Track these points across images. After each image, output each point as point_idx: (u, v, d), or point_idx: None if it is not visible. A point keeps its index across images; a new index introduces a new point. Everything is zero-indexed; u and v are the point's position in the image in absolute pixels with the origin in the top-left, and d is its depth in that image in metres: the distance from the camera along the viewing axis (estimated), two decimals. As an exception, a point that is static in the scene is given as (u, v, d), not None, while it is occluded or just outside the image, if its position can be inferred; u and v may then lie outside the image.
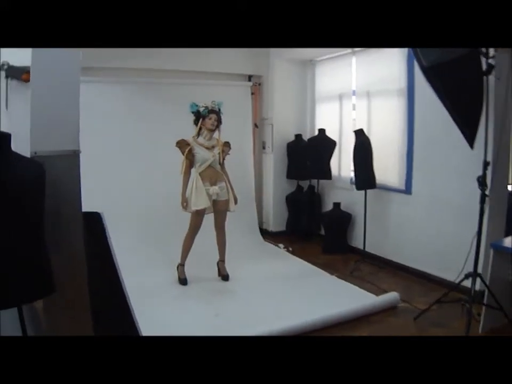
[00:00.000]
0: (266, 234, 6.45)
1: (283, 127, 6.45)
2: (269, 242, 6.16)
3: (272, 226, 6.62)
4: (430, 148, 4.68)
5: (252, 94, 6.43)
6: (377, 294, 4.27)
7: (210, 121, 4.36)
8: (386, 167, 5.26)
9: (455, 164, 4.33)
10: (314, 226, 6.28)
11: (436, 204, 4.64)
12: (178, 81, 5.68)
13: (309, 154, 6.07)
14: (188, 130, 4.54)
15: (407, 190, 5.02)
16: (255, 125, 6.53)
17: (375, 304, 4.01)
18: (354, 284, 4.62)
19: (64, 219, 2.16)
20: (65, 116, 2.15)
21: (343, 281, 4.75)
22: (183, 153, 4.38)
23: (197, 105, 4.43)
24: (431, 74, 3.20)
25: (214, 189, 4.39)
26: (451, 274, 3.99)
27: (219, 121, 4.44)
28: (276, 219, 6.59)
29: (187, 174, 4.40)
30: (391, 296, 4.14)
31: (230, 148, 4.61)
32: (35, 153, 2.07)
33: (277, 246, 6.01)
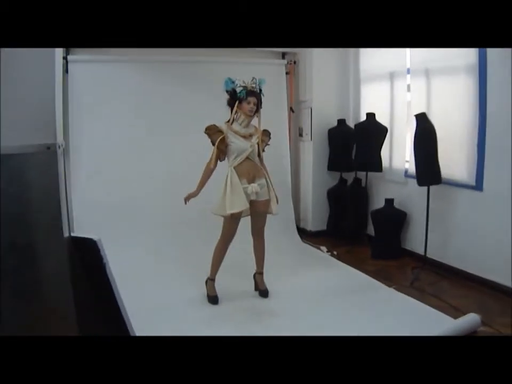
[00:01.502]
0: (305, 234, 6.02)
1: (323, 111, 5.95)
2: (308, 243, 5.68)
3: (311, 225, 6.15)
4: (506, 137, 4.05)
5: (287, 73, 5.99)
6: (447, 312, 3.72)
7: (248, 105, 3.80)
8: (451, 159, 4.62)
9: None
10: (361, 226, 5.77)
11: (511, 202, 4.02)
12: (200, 59, 5.27)
13: (356, 142, 5.58)
14: (215, 115, 4.02)
15: (478, 186, 4.39)
16: (291, 109, 6.07)
17: (455, 329, 3.37)
18: (417, 299, 4.02)
19: (36, 234, 1.91)
20: (37, 105, 1.94)
21: (405, 296, 4.12)
22: (213, 142, 3.83)
23: (233, 82, 3.82)
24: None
25: (253, 187, 3.84)
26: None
27: (259, 105, 3.86)
28: (316, 217, 6.13)
29: (214, 166, 3.85)
30: (471, 319, 3.50)
31: (270, 138, 4.07)
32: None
33: (319, 249, 5.52)
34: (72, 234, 2.04)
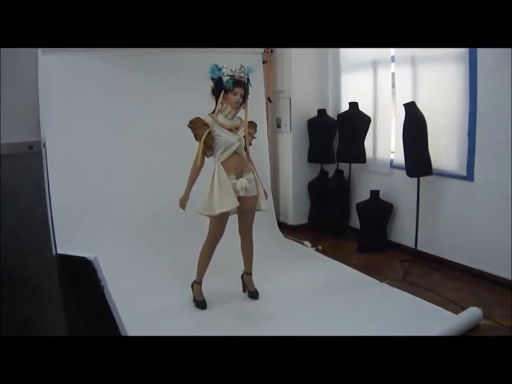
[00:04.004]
0: (286, 229, 5.89)
1: (303, 101, 5.83)
2: (291, 238, 5.58)
3: (292, 219, 6.04)
4: (496, 126, 4.02)
5: (264, 62, 5.76)
6: (444, 306, 3.68)
7: (235, 97, 3.65)
8: (440, 149, 4.57)
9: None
10: (344, 219, 5.69)
11: (503, 192, 4.00)
12: (173, 49, 4.89)
13: (338, 132, 5.53)
14: (192, 106, 3.87)
15: (469, 176, 4.35)
16: (268, 99, 5.90)
17: (458, 325, 3.30)
18: (412, 293, 3.96)
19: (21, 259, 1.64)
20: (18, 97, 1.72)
21: (400, 290, 4.05)
22: (197, 137, 3.66)
23: (219, 69, 3.63)
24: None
25: (242, 182, 3.69)
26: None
27: (246, 96, 3.71)
28: (296, 211, 6.03)
29: (201, 164, 3.71)
30: (473, 313, 3.44)
31: (256, 130, 3.94)
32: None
33: (302, 243, 5.41)
34: (60, 251, 1.77)
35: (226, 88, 3.64)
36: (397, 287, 4.10)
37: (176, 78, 5.07)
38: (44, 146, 1.76)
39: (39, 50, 1.83)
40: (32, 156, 1.68)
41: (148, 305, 3.76)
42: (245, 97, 3.71)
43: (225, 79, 3.64)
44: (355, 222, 5.52)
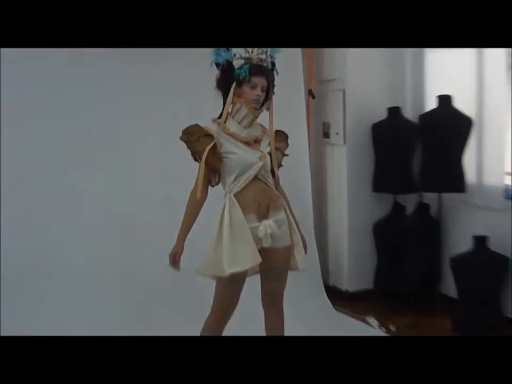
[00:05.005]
0: (338, 297, 5.90)
1: (364, 95, 5.86)
2: (346, 313, 5.57)
3: (348, 283, 6.07)
4: None
5: None
6: None
7: (253, 91, 3.53)
8: None
9: None
10: (431, 281, 5.68)
11: None
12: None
13: (420, 144, 5.56)
14: (185, 111, 4.19)
15: None
16: (309, 93, 5.95)
17: None
18: None
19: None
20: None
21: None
22: (196, 156, 3.61)
23: (227, 49, 3.52)
24: None
25: (268, 226, 3.53)
26: None
27: (271, 90, 3.66)
28: (355, 269, 6.05)
29: (202, 196, 3.62)
30: None
31: (287, 144, 3.91)
32: None
33: (365, 321, 5.39)
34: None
35: (240, 78, 3.57)
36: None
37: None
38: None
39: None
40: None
41: None
42: (268, 92, 3.66)
43: (237, 63, 3.57)
44: (449, 286, 5.49)
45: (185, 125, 3.62)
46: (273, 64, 3.64)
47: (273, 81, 3.67)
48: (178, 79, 5.08)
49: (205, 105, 3.75)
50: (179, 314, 4.72)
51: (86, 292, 4.94)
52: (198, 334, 3.78)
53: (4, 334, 4.12)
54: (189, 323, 3.97)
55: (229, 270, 3.43)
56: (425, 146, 5.52)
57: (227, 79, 3.58)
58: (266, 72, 3.59)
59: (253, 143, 3.65)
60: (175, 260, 3.60)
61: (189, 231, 3.64)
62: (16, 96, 4.83)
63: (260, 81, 3.55)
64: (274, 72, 3.67)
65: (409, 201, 5.88)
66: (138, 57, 5.09)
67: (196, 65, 3.74)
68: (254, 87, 3.54)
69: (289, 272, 3.80)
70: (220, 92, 3.66)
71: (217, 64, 3.58)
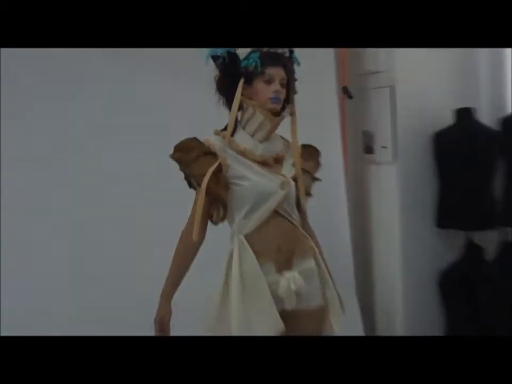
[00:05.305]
0: None
1: (422, 94, 5.41)
2: None
3: None
4: None
5: None
6: None
7: (269, 87, 3.26)
8: None
9: None
10: None
11: None
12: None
13: (503, 159, 5.21)
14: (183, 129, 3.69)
15: None
16: (345, 92, 5.66)
17: None
18: None
19: None
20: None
21: None
22: (192, 181, 3.34)
23: None
24: None
25: (292, 280, 3.25)
26: None
27: (291, 86, 3.40)
28: (414, 329, 5.53)
29: (200, 238, 3.35)
30: None
31: (319, 163, 3.67)
32: None
33: None
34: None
35: (249, 70, 3.31)
36: None
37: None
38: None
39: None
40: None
41: None
42: (289, 88, 3.38)
43: (242, 52, 3.37)
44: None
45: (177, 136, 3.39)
46: (291, 52, 3.43)
47: (294, 73, 3.41)
48: (178, 79, 5.18)
49: (208, 113, 3.46)
50: (179, 314, 4.26)
51: (86, 292, 4.98)
52: (198, 334, 3.49)
53: (4, 334, 4.35)
54: (189, 323, 3.69)
55: None
56: (509, 162, 5.06)
57: (231, 76, 3.31)
58: (283, 60, 3.33)
59: (272, 163, 3.36)
60: (161, 324, 3.31)
61: (178, 285, 3.38)
62: (16, 96, 4.99)
63: (277, 72, 3.26)
64: (295, 61, 3.42)
65: (489, 241, 5.38)
66: (138, 58, 5.15)
67: (196, 65, 3.53)
68: (269, 82, 3.26)
69: None
70: (219, 96, 3.38)
71: (215, 58, 3.33)
